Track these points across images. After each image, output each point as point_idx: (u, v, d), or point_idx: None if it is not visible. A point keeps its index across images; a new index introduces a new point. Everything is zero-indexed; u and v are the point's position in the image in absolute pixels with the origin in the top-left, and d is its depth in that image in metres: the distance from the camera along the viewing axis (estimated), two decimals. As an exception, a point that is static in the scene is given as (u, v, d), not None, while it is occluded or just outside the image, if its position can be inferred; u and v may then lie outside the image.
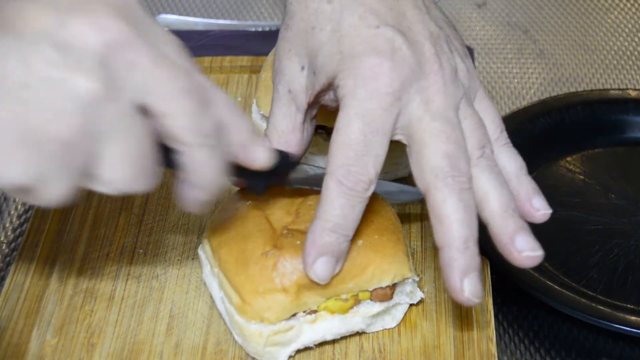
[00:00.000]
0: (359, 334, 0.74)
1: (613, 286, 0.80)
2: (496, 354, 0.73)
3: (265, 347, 0.71)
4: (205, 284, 0.77)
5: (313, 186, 0.73)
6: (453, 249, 0.66)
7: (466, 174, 0.67)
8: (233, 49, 1.01)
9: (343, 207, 0.67)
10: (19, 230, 0.86)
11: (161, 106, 0.60)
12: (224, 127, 0.64)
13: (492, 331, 0.74)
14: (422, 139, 0.67)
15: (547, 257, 0.82)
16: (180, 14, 1.13)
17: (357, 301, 0.72)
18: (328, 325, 0.72)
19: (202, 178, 0.63)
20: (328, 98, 0.71)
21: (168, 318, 0.75)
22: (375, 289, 0.72)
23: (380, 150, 0.67)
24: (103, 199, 0.85)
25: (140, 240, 0.82)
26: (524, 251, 0.68)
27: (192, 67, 0.63)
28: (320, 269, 0.69)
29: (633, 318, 0.75)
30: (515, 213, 0.68)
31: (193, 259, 0.80)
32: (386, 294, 0.73)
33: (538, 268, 0.80)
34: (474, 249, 0.67)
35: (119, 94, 0.58)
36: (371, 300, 0.73)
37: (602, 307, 0.76)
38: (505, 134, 0.72)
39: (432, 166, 0.67)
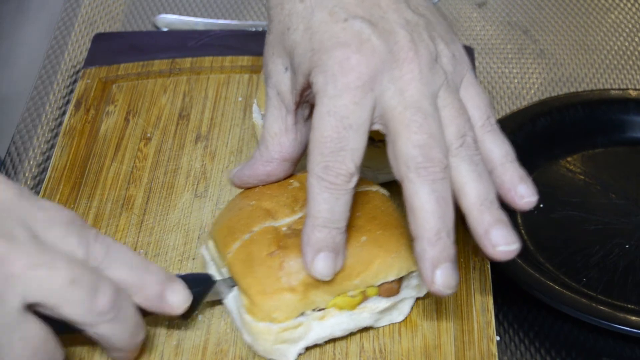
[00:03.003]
0: (360, 333, 0.74)
1: (613, 286, 0.80)
2: (497, 354, 0.73)
3: (275, 344, 0.71)
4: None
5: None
6: (424, 240, 0.66)
7: (440, 164, 0.66)
8: (233, 48, 1.00)
9: (328, 201, 0.67)
10: (19, 230, 0.86)
11: (50, 301, 0.63)
12: (128, 287, 0.66)
13: (492, 331, 0.74)
14: (396, 129, 0.67)
15: (547, 257, 0.83)
16: (181, 14, 1.13)
17: (365, 297, 0.73)
18: (336, 322, 0.72)
19: (113, 345, 0.66)
20: (312, 96, 0.71)
21: (168, 318, 0.75)
22: (382, 284, 0.73)
23: (357, 144, 0.67)
24: (104, 199, 0.85)
25: (141, 241, 0.82)
26: (498, 245, 0.67)
27: (82, 238, 0.65)
28: (320, 265, 0.69)
29: (633, 318, 0.75)
30: (492, 205, 0.67)
31: (194, 258, 0.80)
32: (393, 288, 0.73)
33: (538, 268, 0.80)
34: (447, 240, 0.66)
35: (2, 307, 0.61)
36: (379, 295, 0.73)
37: (602, 307, 0.76)
38: (492, 120, 0.71)
39: (404, 157, 0.66)
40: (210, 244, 0.76)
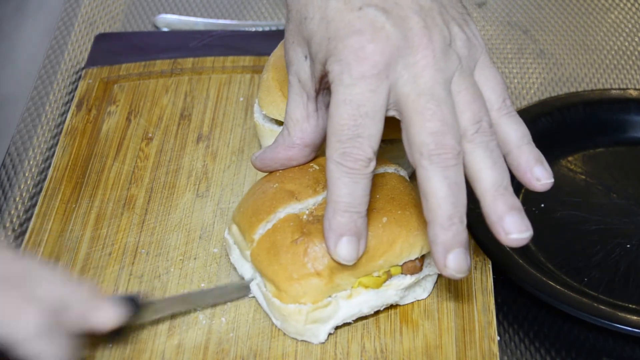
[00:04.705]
0: (361, 333, 0.74)
1: (615, 286, 0.80)
2: (498, 354, 0.73)
3: (306, 324, 0.73)
4: (234, 268, 0.78)
5: (172, 312, 0.75)
6: (437, 225, 0.67)
7: (452, 151, 0.67)
8: (235, 49, 1.01)
9: (347, 186, 0.68)
10: (19, 230, 0.87)
11: None
12: (54, 307, 0.64)
13: (494, 331, 0.74)
14: (410, 116, 0.67)
15: (549, 256, 0.83)
16: (181, 14, 1.13)
17: (389, 275, 0.74)
18: (364, 299, 0.74)
19: None
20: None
21: (170, 318, 0.75)
22: (405, 263, 0.74)
23: (373, 130, 0.68)
24: (105, 199, 0.85)
25: (143, 240, 0.82)
26: (511, 233, 0.68)
27: (8, 266, 0.64)
28: (344, 249, 0.70)
29: (635, 318, 0.75)
30: (507, 191, 0.68)
31: (195, 258, 0.80)
32: (416, 266, 0.74)
33: (539, 267, 0.80)
34: (459, 225, 0.67)
35: None
36: (402, 273, 0.74)
37: (603, 307, 0.76)
38: (508, 103, 0.71)
39: (417, 144, 0.67)
40: (234, 228, 0.77)
